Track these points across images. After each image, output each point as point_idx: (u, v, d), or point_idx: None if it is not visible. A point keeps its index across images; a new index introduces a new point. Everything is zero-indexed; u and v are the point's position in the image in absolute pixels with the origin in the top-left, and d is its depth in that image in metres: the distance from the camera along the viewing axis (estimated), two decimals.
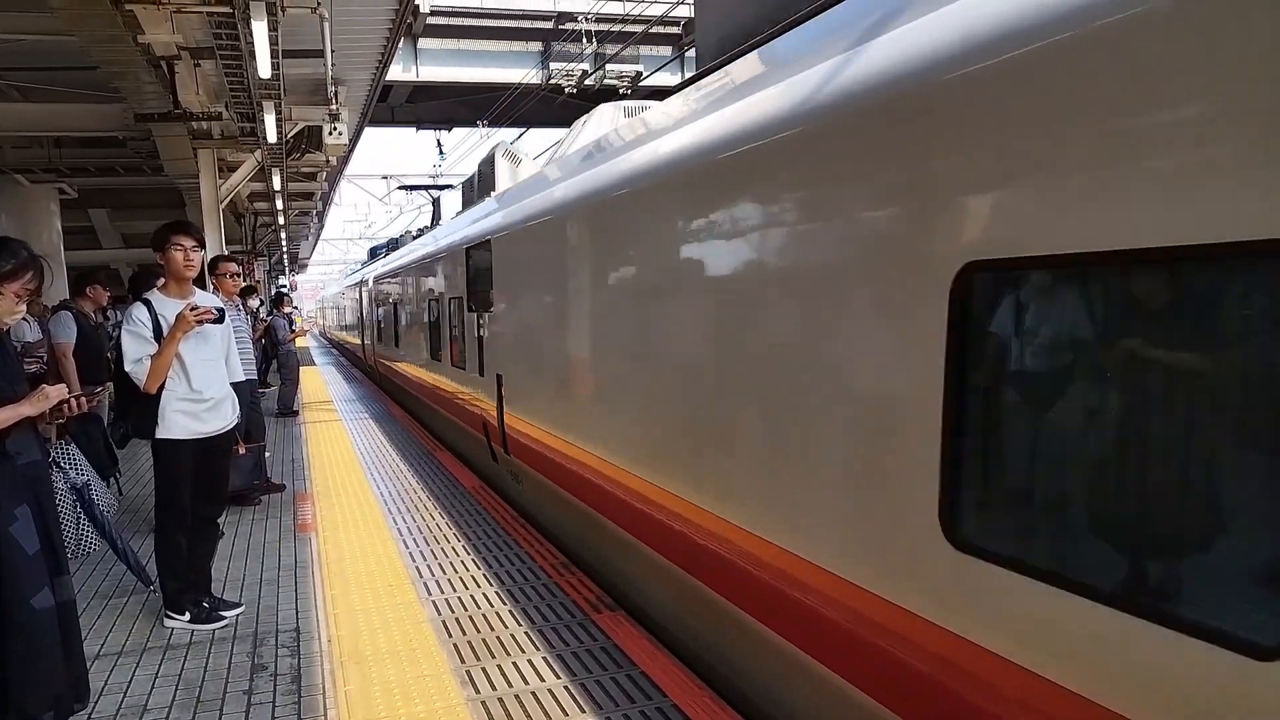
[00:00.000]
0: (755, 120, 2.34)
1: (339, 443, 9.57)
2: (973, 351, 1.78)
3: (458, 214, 9.06)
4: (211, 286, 6.77)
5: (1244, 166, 1.38)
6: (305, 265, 56.93)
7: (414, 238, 13.63)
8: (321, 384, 16.33)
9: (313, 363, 22.60)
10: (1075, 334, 1.62)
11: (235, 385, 4.85)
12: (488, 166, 8.07)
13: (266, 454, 7.19)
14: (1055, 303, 1.66)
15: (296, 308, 25.07)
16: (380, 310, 14.00)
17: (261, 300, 16.83)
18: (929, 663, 1.87)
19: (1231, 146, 1.39)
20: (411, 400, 10.99)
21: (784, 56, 2.44)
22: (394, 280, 12.21)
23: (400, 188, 23.74)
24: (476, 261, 6.37)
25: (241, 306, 7.46)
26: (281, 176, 13.11)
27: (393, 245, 16.75)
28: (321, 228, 31.66)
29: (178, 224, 4.34)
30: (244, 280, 9.76)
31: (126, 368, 4.16)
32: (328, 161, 13.52)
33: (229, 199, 12.35)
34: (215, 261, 6.87)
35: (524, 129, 15.19)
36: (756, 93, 2.43)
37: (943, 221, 1.85)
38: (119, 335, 4.27)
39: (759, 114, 2.32)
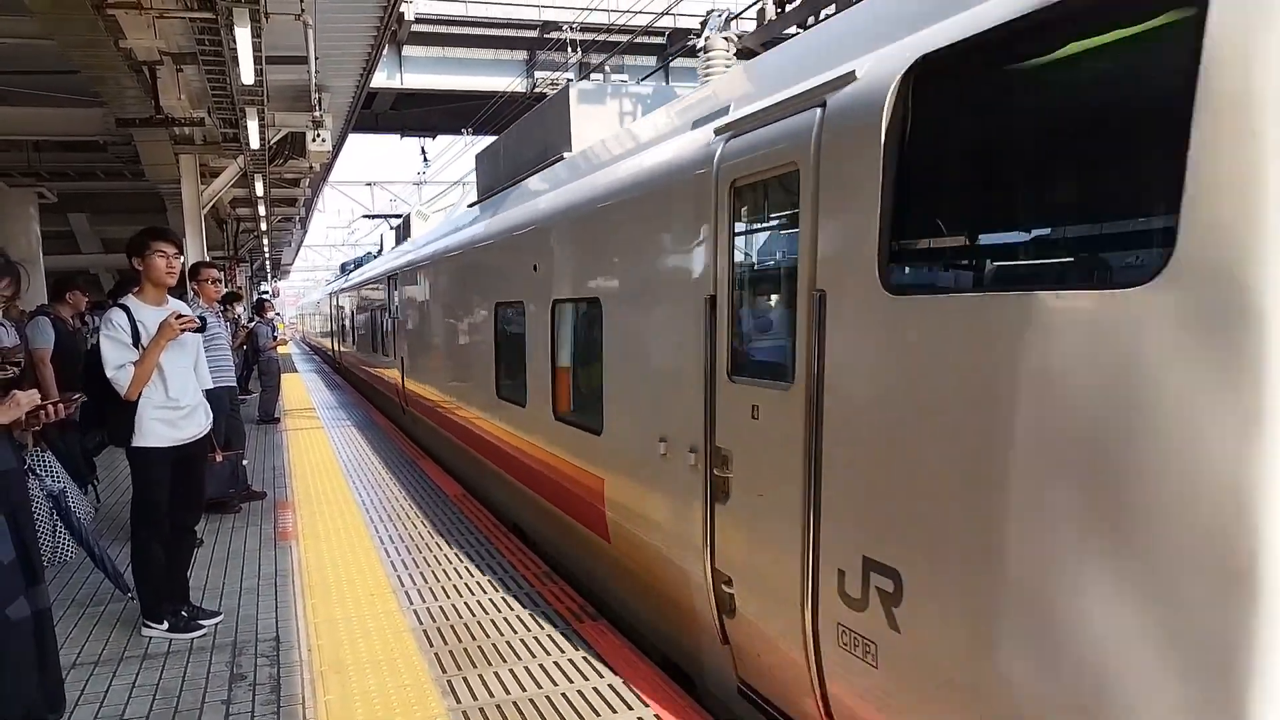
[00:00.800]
0: (481, 233, 5.84)
1: (321, 450, 9.55)
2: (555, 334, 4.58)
3: (392, 249, 13.81)
4: (192, 292, 6.72)
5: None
6: (288, 271, 56.50)
7: (373, 257, 18.34)
8: (303, 391, 16.34)
9: (294, 369, 22.59)
10: (572, 328, 4.24)
11: (215, 392, 5.00)
12: (406, 223, 13.03)
13: (244, 461, 7.07)
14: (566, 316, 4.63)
15: (279, 314, 25.44)
16: (341, 318, 18.39)
17: (244, 307, 16.83)
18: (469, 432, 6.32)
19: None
20: (360, 382, 15.05)
21: (492, 206, 6.02)
22: (348, 296, 16.68)
23: (365, 216, 29.82)
24: (390, 286, 10.55)
25: (221, 314, 7.39)
26: (264, 182, 13.04)
27: (357, 264, 21.49)
28: (304, 234, 31.44)
29: (158, 230, 4.33)
30: (225, 286, 9.63)
31: (108, 374, 4.18)
32: (310, 168, 13.47)
33: (211, 204, 12.35)
34: (197, 267, 6.84)
35: None
36: (480, 221, 6.12)
37: (544, 282, 4.52)
38: (96, 342, 4.29)
39: (486, 229, 5.73)
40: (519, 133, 5.97)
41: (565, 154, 5.02)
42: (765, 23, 3.86)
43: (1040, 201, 1.73)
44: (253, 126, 9.08)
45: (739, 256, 2.61)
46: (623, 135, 3.93)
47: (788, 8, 3.76)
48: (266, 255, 30.21)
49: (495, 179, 6.45)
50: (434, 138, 19.09)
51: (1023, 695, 1.69)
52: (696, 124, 2.93)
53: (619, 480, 3.75)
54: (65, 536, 3.76)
